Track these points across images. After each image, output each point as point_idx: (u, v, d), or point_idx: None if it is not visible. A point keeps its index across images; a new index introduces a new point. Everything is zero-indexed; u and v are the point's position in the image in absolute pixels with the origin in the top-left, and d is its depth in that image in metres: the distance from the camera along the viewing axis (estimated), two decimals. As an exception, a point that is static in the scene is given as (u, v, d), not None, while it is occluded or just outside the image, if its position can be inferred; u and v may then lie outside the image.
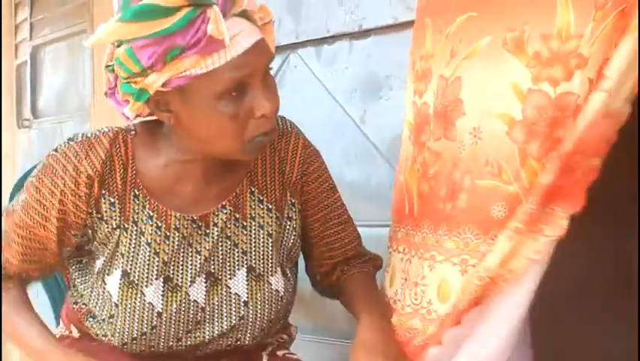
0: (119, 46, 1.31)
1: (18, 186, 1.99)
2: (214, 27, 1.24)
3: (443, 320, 1.44)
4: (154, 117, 1.41)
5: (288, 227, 1.52)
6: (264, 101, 1.32)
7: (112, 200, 1.42)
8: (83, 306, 1.56)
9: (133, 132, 1.44)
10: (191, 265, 1.45)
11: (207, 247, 1.46)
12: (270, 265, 1.49)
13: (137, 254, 1.43)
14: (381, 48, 2.14)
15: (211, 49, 1.25)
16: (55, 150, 1.43)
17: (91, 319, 1.54)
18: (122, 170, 1.42)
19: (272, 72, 2.36)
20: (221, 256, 1.47)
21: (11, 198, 1.97)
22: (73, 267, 1.58)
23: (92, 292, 1.50)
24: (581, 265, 2.07)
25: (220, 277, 1.47)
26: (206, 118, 1.32)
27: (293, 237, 1.53)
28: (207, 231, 1.46)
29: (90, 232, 1.45)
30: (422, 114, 1.51)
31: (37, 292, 4.18)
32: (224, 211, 1.47)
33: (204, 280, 1.46)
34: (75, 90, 4.14)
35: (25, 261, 1.49)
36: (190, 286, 1.45)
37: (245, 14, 1.32)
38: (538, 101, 1.32)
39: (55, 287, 1.94)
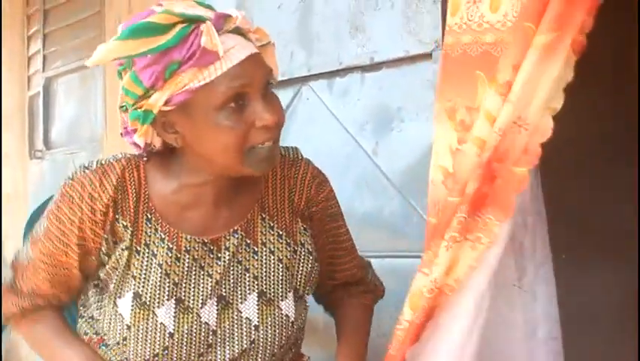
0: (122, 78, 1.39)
1: (34, 217, 1.99)
2: (207, 39, 1.31)
3: (404, 339, 1.50)
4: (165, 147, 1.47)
5: (302, 253, 1.54)
6: (264, 112, 1.35)
7: (125, 223, 1.45)
8: (94, 336, 1.57)
9: (145, 158, 1.47)
10: (203, 287, 1.47)
11: (219, 271, 1.48)
12: (281, 290, 1.51)
13: (149, 276, 1.45)
14: (392, 80, 2.15)
15: (206, 61, 1.32)
16: (71, 178, 1.47)
17: (104, 347, 1.55)
18: (134, 195, 1.45)
19: (284, 104, 2.40)
20: (232, 281, 1.49)
21: (27, 228, 1.98)
22: (84, 296, 1.60)
23: (104, 317, 1.52)
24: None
25: (231, 301, 1.49)
26: (208, 132, 1.36)
27: (310, 262, 1.55)
28: (219, 255, 1.48)
29: (106, 258, 1.48)
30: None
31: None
32: (236, 236, 1.49)
33: (215, 303, 1.48)
34: (87, 121, 4.17)
35: (54, 285, 1.54)
36: (201, 308, 1.47)
37: (239, 31, 1.37)
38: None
39: (67, 315, 1.94)
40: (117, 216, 1.45)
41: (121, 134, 1.47)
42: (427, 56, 2.03)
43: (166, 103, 1.35)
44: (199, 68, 1.32)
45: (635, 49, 2.36)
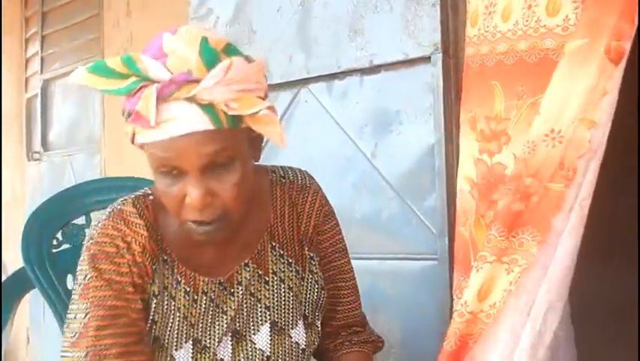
0: None
1: (31, 220, 1.99)
2: (143, 105, 1.25)
3: None
4: None
5: (310, 280, 1.52)
6: (193, 190, 1.28)
7: (153, 266, 1.41)
8: None
9: (151, 197, 1.44)
10: (219, 325, 1.45)
11: (233, 307, 1.45)
12: (291, 318, 1.50)
13: (168, 320, 1.42)
14: (391, 83, 2.16)
15: (142, 124, 1.26)
16: (91, 239, 1.40)
17: None
18: (152, 234, 1.41)
19: (283, 107, 2.40)
20: (245, 313, 1.47)
21: (25, 231, 1.97)
22: None
23: None
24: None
25: (245, 334, 1.47)
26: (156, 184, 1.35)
27: (316, 290, 1.53)
28: (232, 290, 1.46)
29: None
30: (494, 174, 1.52)
31: (44, 324, 4.16)
32: (247, 269, 1.46)
33: (230, 339, 1.46)
34: (85, 123, 4.17)
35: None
36: (217, 345, 1.45)
37: (195, 101, 1.26)
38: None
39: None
40: (148, 258, 1.40)
41: None
42: (426, 59, 2.04)
43: (131, 139, 1.32)
44: (139, 127, 1.28)
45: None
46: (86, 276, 1.38)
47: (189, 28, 1.31)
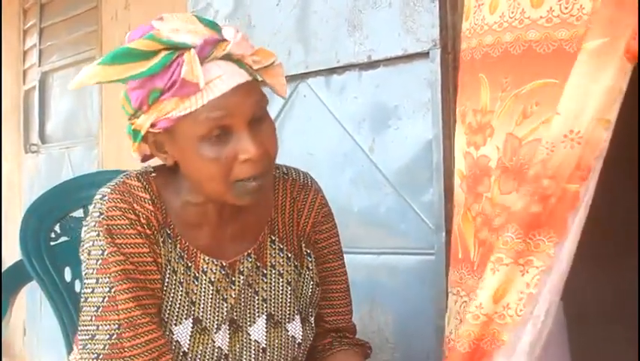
0: None
1: (28, 214, 1.98)
2: (188, 70, 1.28)
3: None
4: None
5: (306, 276, 1.53)
6: (249, 144, 1.32)
7: (156, 238, 1.41)
8: None
9: (153, 174, 1.44)
10: (218, 311, 1.45)
11: (233, 295, 1.46)
12: (288, 312, 1.50)
13: (170, 293, 1.42)
14: (389, 78, 2.16)
15: (187, 91, 1.29)
16: (101, 214, 1.38)
17: None
18: (158, 208, 1.42)
19: (282, 101, 2.40)
20: (243, 304, 1.48)
21: (22, 225, 1.97)
22: None
23: None
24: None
25: (241, 325, 1.48)
26: (192, 160, 1.35)
27: (312, 286, 1.54)
28: (233, 278, 1.46)
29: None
30: (480, 166, 1.52)
31: (40, 317, 4.17)
32: (249, 260, 1.47)
33: (228, 328, 1.47)
34: (83, 116, 4.17)
35: (151, 316, 1.38)
36: (216, 332, 1.45)
37: (230, 57, 1.34)
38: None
39: (65, 311, 1.94)
40: (155, 231, 1.41)
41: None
42: (424, 54, 2.04)
43: (152, 126, 1.34)
44: (180, 97, 1.30)
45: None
46: (104, 251, 1.37)
47: (168, 15, 1.35)
